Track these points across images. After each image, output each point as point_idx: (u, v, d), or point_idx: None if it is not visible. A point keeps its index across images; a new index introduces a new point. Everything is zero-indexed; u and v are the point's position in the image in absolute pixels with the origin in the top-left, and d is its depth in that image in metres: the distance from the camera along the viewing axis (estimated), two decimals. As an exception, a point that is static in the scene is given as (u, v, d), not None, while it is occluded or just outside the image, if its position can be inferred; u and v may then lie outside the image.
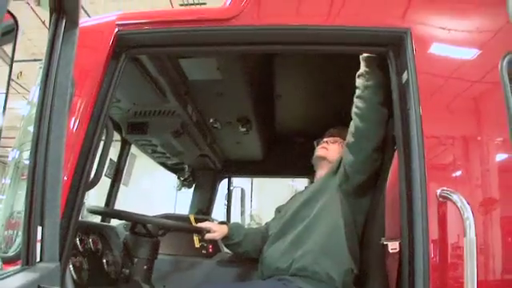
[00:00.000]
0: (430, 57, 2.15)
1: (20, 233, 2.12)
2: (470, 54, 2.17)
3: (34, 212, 1.43)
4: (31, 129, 2.25)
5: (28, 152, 2.22)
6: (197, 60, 2.97)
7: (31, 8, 9.90)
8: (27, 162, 2.21)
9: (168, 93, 3.18)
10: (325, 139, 3.19)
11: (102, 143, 2.34)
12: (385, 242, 2.15)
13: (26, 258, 1.40)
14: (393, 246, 2.07)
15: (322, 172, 3.03)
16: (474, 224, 1.73)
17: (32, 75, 9.47)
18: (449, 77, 2.10)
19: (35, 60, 10.59)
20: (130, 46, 2.31)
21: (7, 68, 1.70)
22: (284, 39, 2.32)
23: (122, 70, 2.28)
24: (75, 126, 2.12)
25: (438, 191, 1.88)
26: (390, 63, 2.20)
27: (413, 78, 2.04)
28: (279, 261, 2.59)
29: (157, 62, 2.84)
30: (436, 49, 2.19)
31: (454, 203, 1.81)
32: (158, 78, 2.97)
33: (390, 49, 2.19)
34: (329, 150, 3.11)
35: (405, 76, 2.10)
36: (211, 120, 3.98)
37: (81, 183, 2.09)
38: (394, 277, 2.12)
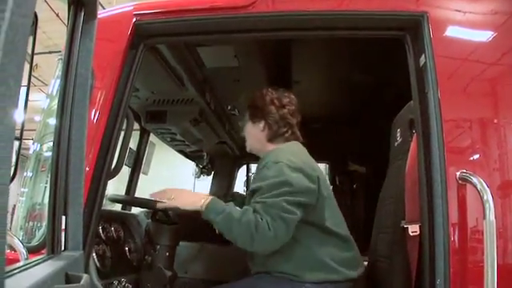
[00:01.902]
0: (447, 40, 2.15)
1: (41, 224, 2.16)
2: (486, 36, 2.16)
3: (58, 202, 1.45)
4: (51, 121, 2.28)
5: (48, 145, 2.25)
6: (214, 48, 2.97)
7: (45, 0, 9.91)
8: (47, 155, 2.25)
9: (186, 81, 3.19)
10: None
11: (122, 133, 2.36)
12: (405, 226, 2.15)
13: (51, 247, 1.43)
14: (413, 229, 2.08)
15: None
16: (494, 206, 1.73)
17: (47, 68, 9.49)
18: (466, 59, 2.10)
19: (50, 52, 10.60)
20: (148, 35, 2.32)
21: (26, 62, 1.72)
22: (300, 25, 2.32)
23: (141, 60, 2.29)
24: (96, 117, 2.15)
25: (458, 174, 1.88)
26: (407, 47, 2.20)
27: (430, 61, 2.03)
28: None
29: (174, 50, 2.85)
30: (453, 32, 2.18)
31: (474, 186, 1.81)
32: (175, 66, 2.99)
33: (407, 33, 2.19)
34: None
35: (422, 59, 2.09)
36: (229, 107, 3.99)
37: (103, 173, 2.12)
38: (415, 260, 2.13)
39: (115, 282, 2.37)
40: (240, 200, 3.09)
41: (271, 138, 2.68)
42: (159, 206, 2.51)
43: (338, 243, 2.49)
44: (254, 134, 2.73)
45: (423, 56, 2.09)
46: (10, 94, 0.66)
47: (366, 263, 2.79)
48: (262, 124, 2.68)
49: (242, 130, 2.86)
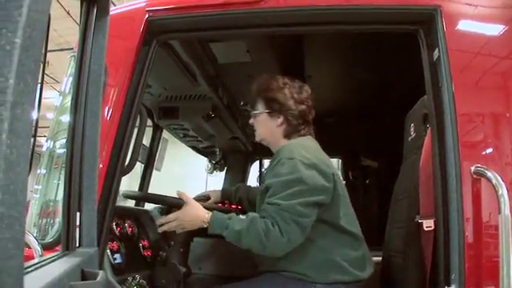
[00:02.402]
0: (460, 34, 2.14)
1: (55, 220, 2.17)
2: (498, 30, 2.15)
3: (73, 199, 1.45)
4: (63, 119, 2.28)
5: (61, 142, 2.26)
6: (226, 43, 2.97)
7: (56, -1, 9.96)
8: (61, 152, 2.26)
9: (199, 77, 3.20)
10: None
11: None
12: (420, 220, 2.14)
13: (66, 244, 1.43)
14: (428, 224, 2.07)
15: None
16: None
17: (59, 65, 9.51)
18: (479, 53, 2.09)
19: (61, 50, 10.64)
20: (161, 31, 2.32)
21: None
22: (313, 20, 2.31)
23: (154, 56, 2.30)
24: (109, 114, 2.15)
25: (472, 168, 1.87)
26: (420, 41, 2.19)
27: (444, 55, 2.02)
28: None
29: (187, 46, 2.85)
30: (466, 26, 2.18)
31: (489, 180, 1.80)
32: (188, 62, 2.99)
33: (420, 27, 2.18)
34: None
35: (436, 53, 2.09)
36: (242, 103, 3.99)
37: (116, 169, 2.12)
38: (430, 255, 2.12)
39: (129, 278, 2.38)
40: (245, 191, 3.09)
41: (288, 134, 2.64)
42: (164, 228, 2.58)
43: (350, 242, 2.48)
44: (270, 127, 2.68)
45: (437, 50, 2.08)
46: (27, 90, 0.67)
47: (379, 259, 2.79)
48: (280, 119, 2.63)
49: (251, 118, 2.78)
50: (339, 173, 2.62)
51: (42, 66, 1.65)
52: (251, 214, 2.34)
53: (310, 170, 2.36)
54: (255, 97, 2.76)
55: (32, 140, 1.59)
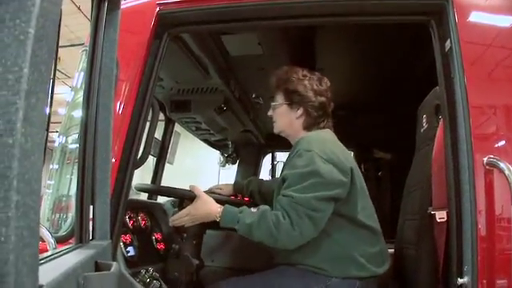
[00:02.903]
0: (471, 25, 2.13)
1: (68, 215, 2.18)
2: (510, 21, 2.14)
3: (86, 192, 1.46)
4: (76, 114, 2.30)
5: (73, 137, 2.27)
6: (238, 36, 2.97)
7: (67, -6, 9.96)
8: (73, 147, 2.27)
9: (210, 69, 3.20)
10: None
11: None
12: (432, 212, 2.14)
13: (79, 237, 1.44)
14: (440, 216, 2.06)
15: None
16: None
17: (70, 61, 9.54)
18: (490, 45, 2.08)
19: (72, 45, 10.67)
20: (172, 24, 2.33)
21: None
22: (324, 11, 2.31)
23: (165, 50, 2.30)
24: (121, 108, 2.16)
25: (485, 159, 1.87)
26: (432, 32, 2.18)
27: (456, 46, 2.02)
28: None
29: (198, 39, 2.85)
30: (477, 17, 2.16)
31: (502, 171, 1.79)
32: (200, 55, 2.99)
33: (431, 18, 2.17)
34: None
35: (448, 44, 2.08)
36: (253, 95, 3.99)
37: (129, 163, 2.13)
38: (442, 246, 2.11)
39: (142, 271, 2.38)
40: (256, 184, 3.10)
41: (307, 126, 2.65)
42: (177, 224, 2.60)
43: (368, 236, 2.47)
44: (289, 119, 2.68)
45: (449, 41, 2.07)
46: (41, 80, 0.67)
47: (392, 251, 2.79)
48: (300, 111, 2.63)
49: (270, 110, 2.78)
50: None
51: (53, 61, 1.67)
52: (262, 207, 2.35)
53: (327, 164, 2.34)
54: (275, 89, 2.75)
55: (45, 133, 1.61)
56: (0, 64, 0.62)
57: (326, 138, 2.56)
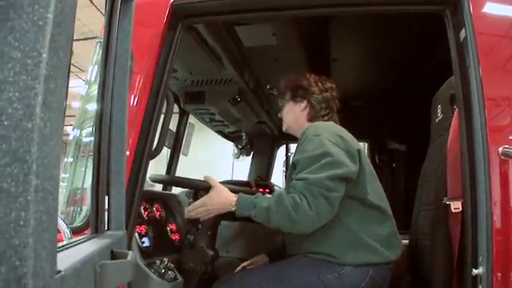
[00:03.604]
0: (486, 15, 2.11)
1: (82, 208, 2.19)
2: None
3: (101, 182, 1.47)
4: (90, 107, 2.31)
5: (88, 130, 2.28)
6: (252, 26, 2.97)
7: (80, -13, 9.96)
8: (87, 140, 2.28)
9: (224, 60, 3.19)
10: None
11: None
12: (447, 202, 2.13)
13: (95, 227, 1.45)
14: (455, 206, 2.06)
15: None
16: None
17: (83, 54, 9.58)
18: (505, 36, 2.06)
19: (86, 39, 10.71)
20: (186, 15, 2.32)
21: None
22: (339, 1, 2.30)
23: (179, 41, 2.30)
24: (136, 100, 2.16)
25: (500, 149, 1.85)
26: (446, 22, 2.17)
27: (471, 35, 2.00)
28: None
29: (213, 30, 2.84)
30: (492, 7, 2.14)
31: (517, 161, 1.78)
32: (214, 46, 2.99)
33: (446, 7, 2.16)
34: None
35: (462, 34, 2.06)
36: (268, 86, 3.99)
37: (144, 154, 2.14)
38: (457, 237, 2.11)
39: (157, 262, 2.39)
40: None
41: (311, 118, 2.72)
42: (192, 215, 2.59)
43: (378, 218, 2.50)
44: (294, 113, 2.78)
45: (463, 30, 2.05)
46: (60, 66, 0.68)
47: (406, 241, 2.78)
48: (303, 103, 2.74)
49: (280, 111, 2.89)
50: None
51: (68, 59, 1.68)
52: (278, 191, 2.37)
53: (336, 147, 2.39)
54: (284, 92, 2.88)
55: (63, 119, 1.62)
56: (19, 49, 0.63)
57: (330, 126, 2.62)
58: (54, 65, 0.66)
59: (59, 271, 0.77)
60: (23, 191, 0.61)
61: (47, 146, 0.65)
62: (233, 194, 2.46)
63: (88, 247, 1.12)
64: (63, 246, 1.08)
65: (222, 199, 2.47)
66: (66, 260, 0.87)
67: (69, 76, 1.42)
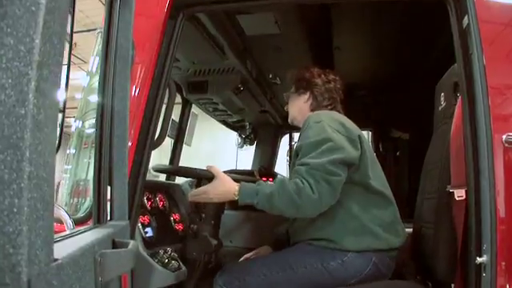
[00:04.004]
0: (489, 2, 2.09)
1: (85, 199, 2.19)
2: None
3: (103, 172, 1.47)
4: (92, 99, 2.30)
5: (90, 121, 2.27)
6: (254, 15, 2.95)
7: (81, -22, 9.94)
8: (90, 131, 2.28)
9: (227, 50, 3.18)
10: None
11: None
12: (451, 190, 2.12)
13: (97, 217, 1.45)
14: (459, 194, 2.05)
15: None
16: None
17: (86, 45, 9.56)
18: (508, 24, 2.05)
19: (88, 30, 10.68)
20: (187, 4, 2.31)
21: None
22: None
23: (181, 30, 2.29)
24: (138, 89, 2.16)
25: (504, 137, 1.85)
26: (449, 9, 2.15)
27: (474, 22, 1.99)
28: None
29: (214, 19, 2.83)
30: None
31: (520, 148, 1.78)
32: (216, 35, 2.97)
33: None
34: None
35: (465, 21, 2.05)
36: (270, 75, 3.98)
37: (146, 144, 2.13)
38: (461, 225, 2.10)
39: (161, 252, 2.39)
40: None
41: (314, 109, 2.74)
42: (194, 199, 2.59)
43: (381, 203, 2.50)
44: (298, 105, 2.81)
45: (466, 17, 2.04)
46: (54, 52, 0.67)
47: (410, 230, 2.78)
48: (306, 95, 2.77)
49: (286, 104, 2.93)
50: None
51: (68, 46, 1.68)
52: (279, 178, 2.38)
53: (337, 134, 2.41)
54: (290, 85, 2.91)
55: (61, 115, 1.61)
56: (12, 35, 0.62)
57: (331, 113, 2.64)
58: (48, 51, 0.65)
59: (56, 259, 0.77)
60: (16, 178, 0.61)
61: (41, 133, 0.65)
62: (235, 183, 2.45)
63: (89, 237, 1.12)
64: (64, 235, 1.08)
65: (226, 188, 2.46)
66: (65, 248, 0.87)
67: (69, 65, 1.42)
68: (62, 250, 0.84)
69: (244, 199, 2.39)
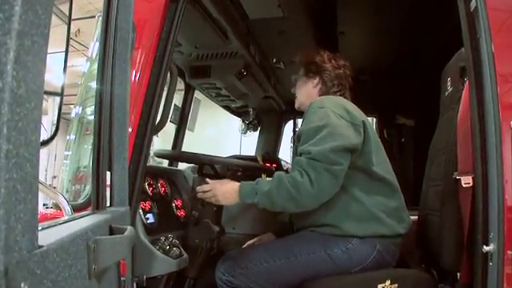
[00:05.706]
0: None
1: (87, 186, 2.17)
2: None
3: (103, 157, 1.44)
4: (92, 85, 2.27)
5: (90, 108, 2.25)
6: None
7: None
8: (91, 118, 2.25)
9: (230, 33, 3.15)
10: None
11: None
12: (458, 177, 2.09)
13: (96, 203, 1.42)
14: (466, 181, 2.02)
15: None
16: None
17: (89, 32, 9.55)
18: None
19: (92, 17, 10.65)
20: None
21: (66, 27, 1.72)
22: None
23: (182, 14, 2.25)
24: (138, 74, 2.12)
25: None
26: None
27: (481, 5, 1.95)
28: None
29: (217, 1, 2.80)
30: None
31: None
32: (218, 18, 2.94)
33: None
34: None
35: (473, 3, 2.01)
36: (274, 60, 3.95)
37: (147, 129, 2.10)
38: (467, 212, 2.07)
39: (162, 238, 2.37)
40: None
41: (323, 94, 2.72)
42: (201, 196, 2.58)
43: (385, 190, 2.49)
44: (307, 90, 2.79)
45: (474, 0, 2.00)
46: (38, 22, 0.64)
47: (415, 218, 2.76)
48: (316, 80, 2.75)
49: (293, 87, 2.89)
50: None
51: (67, 32, 1.65)
52: (277, 173, 2.35)
53: (341, 120, 2.39)
54: (298, 68, 2.87)
55: (59, 99, 1.58)
56: None
57: (335, 98, 2.64)
58: (31, 20, 0.62)
59: (41, 246, 0.73)
60: None
61: (22, 109, 0.61)
62: (237, 184, 2.48)
63: (85, 223, 1.09)
64: (57, 222, 1.04)
65: (234, 187, 2.45)
66: (54, 235, 0.83)
67: (67, 49, 1.38)
68: (51, 236, 0.80)
69: (245, 199, 2.41)
